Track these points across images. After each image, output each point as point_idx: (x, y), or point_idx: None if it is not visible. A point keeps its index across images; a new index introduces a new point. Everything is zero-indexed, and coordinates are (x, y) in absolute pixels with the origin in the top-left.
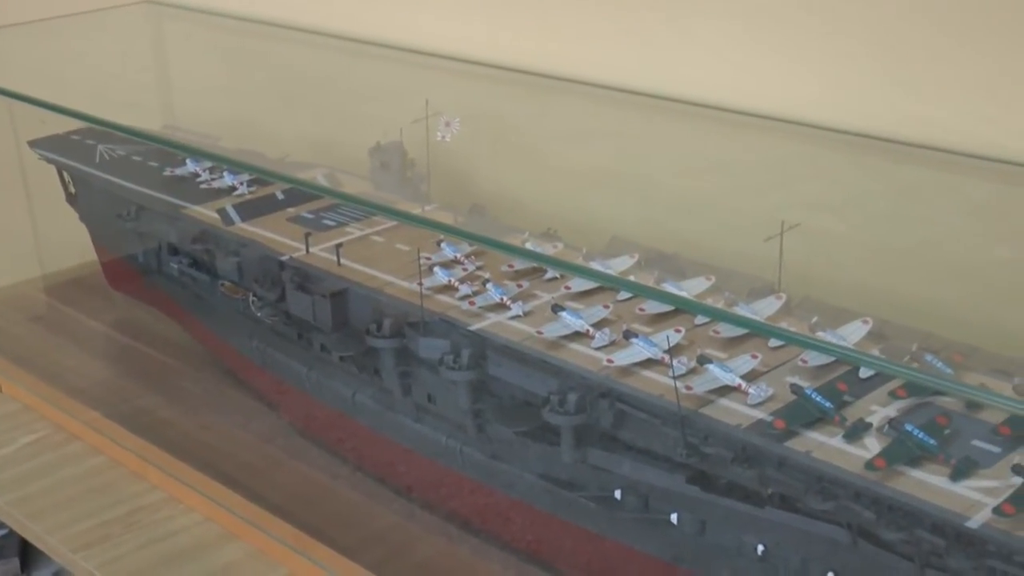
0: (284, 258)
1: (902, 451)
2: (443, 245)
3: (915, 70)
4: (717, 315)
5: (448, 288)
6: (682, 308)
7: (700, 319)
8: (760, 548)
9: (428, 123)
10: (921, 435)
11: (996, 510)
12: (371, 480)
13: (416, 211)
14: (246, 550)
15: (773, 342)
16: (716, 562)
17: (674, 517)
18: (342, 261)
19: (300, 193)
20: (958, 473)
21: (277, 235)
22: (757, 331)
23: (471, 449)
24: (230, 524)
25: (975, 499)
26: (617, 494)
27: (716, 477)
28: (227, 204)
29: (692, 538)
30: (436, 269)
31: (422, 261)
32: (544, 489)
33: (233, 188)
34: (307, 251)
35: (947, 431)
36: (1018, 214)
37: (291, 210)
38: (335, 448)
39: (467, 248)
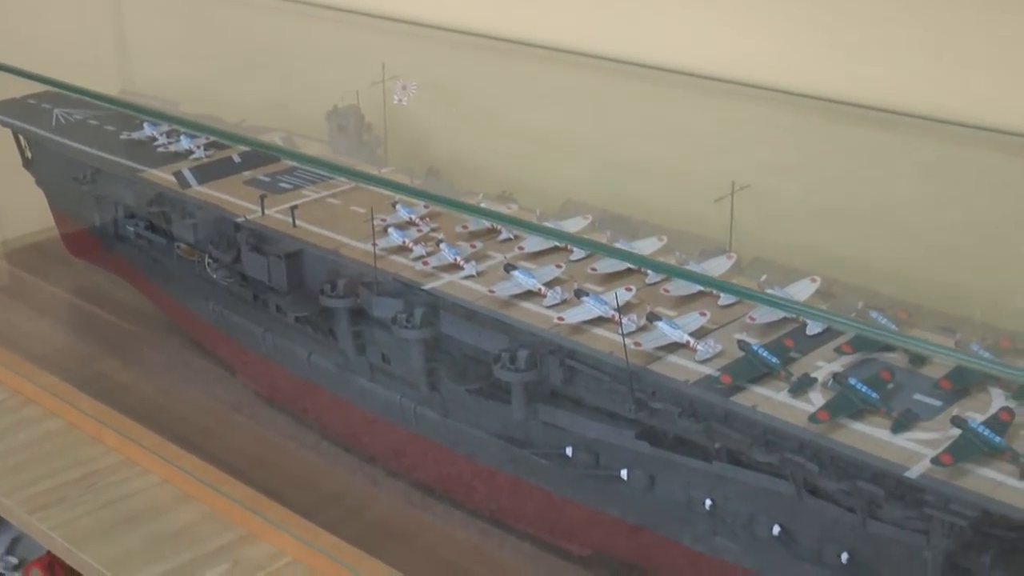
0: (239, 220)
1: (845, 404)
2: (398, 207)
3: (861, 31)
4: (670, 271)
5: (402, 249)
6: (634, 265)
7: (651, 278)
8: (708, 503)
9: (385, 87)
10: (864, 389)
11: (934, 460)
12: (327, 441)
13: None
14: (202, 511)
15: (723, 300)
16: (666, 517)
17: (624, 473)
18: (298, 223)
19: (257, 157)
20: (899, 426)
21: (233, 198)
22: (709, 287)
23: (425, 408)
24: (186, 486)
25: (915, 450)
26: (568, 451)
27: (665, 432)
28: (184, 168)
29: (642, 493)
30: (391, 230)
31: (377, 223)
32: (497, 447)
33: (190, 152)
34: (263, 213)
35: (890, 385)
36: (962, 174)
37: (247, 173)
38: (291, 409)
39: (422, 210)
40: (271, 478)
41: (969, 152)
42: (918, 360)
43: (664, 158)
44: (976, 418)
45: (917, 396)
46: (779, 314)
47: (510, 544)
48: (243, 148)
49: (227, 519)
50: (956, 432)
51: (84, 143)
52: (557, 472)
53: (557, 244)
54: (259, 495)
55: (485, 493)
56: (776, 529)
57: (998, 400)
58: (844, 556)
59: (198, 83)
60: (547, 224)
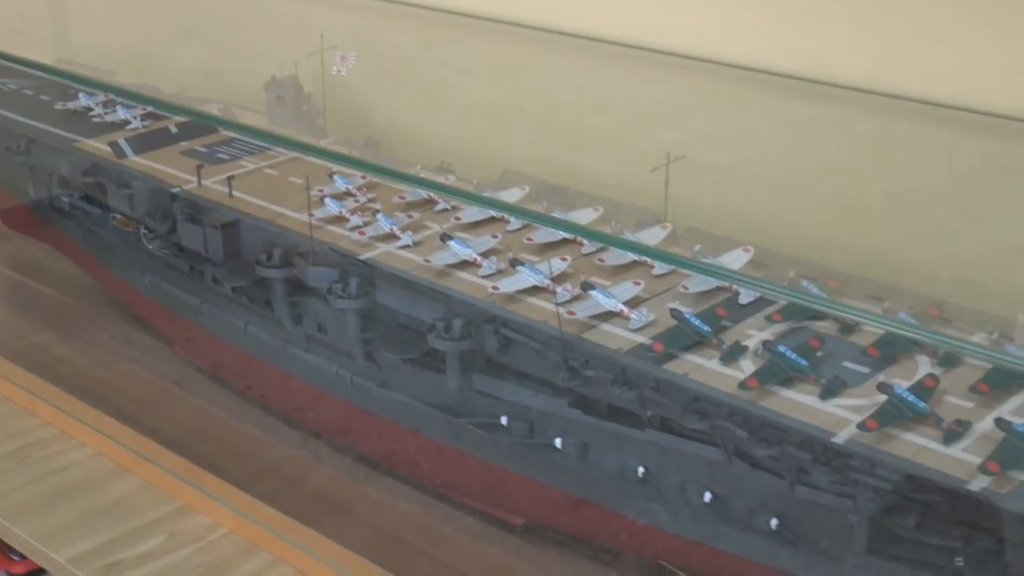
0: (175, 191)
1: (775, 371)
2: (335, 177)
3: (799, 4)
4: (605, 240)
5: (339, 219)
6: (570, 235)
7: (587, 248)
8: (641, 470)
9: (323, 57)
10: (793, 356)
11: (860, 426)
12: (265, 412)
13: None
14: (138, 484)
15: (658, 270)
16: (599, 485)
17: (558, 441)
18: (235, 194)
19: (194, 127)
20: (827, 392)
21: (170, 168)
22: (644, 256)
23: (361, 378)
24: (122, 458)
25: (843, 416)
26: (504, 420)
27: (598, 401)
28: (120, 138)
29: (575, 462)
30: (327, 200)
31: (314, 193)
32: (433, 416)
33: (127, 122)
34: (199, 184)
35: (819, 353)
36: (895, 146)
37: (185, 144)
38: (228, 381)
39: (359, 180)
40: (209, 450)
41: (902, 124)
42: (847, 328)
43: (602, 129)
44: (902, 384)
45: (846, 363)
46: (712, 283)
47: (448, 514)
48: (181, 118)
49: (163, 491)
50: (882, 398)
51: (18, 113)
52: (492, 441)
53: (494, 214)
54: (195, 467)
55: (421, 463)
56: (708, 496)
57: (924, 367)
58: (774, 522)
59: (135, 51)
60: (484, 194)
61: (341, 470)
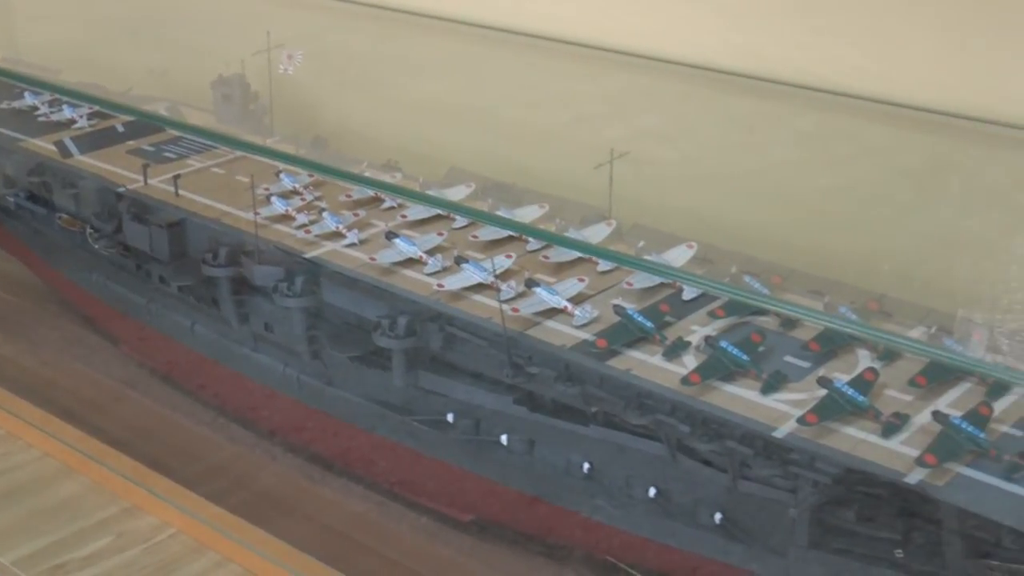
0: (121, 190)
1: (716, 366)
2: (282, 176)
3: (743, 1)
4: (549, 238)
5: (285, 217)
6: (515, 233)
7: (532, 245)
8: (586, 466)
9: (270, 55)
10: (735, 351)
11: (800, 420)
12: (213, 412)
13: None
14: (85, 484)
15: (602, 267)
16: (545, 481)
17: (504, 438)
18: (181, 193)
19: (141, 126)
20: (769, 387)
21: (116, 167)
22: (588, 253)
23: (308, 376)
24: (69, 459)
25: (783, 411)
26: (450, 417)
27: (543, 398)
28: (65, 137)
29: (522, 458)
30: (274, 199)
31: (260, 192)
32: (379, 414)
33: (73, 121)
34: (145, 183)
35: (761, 348)
36: (838, 142)
37: (131, 143)
38: (176, 380)
39: (306, 179)
40: (157, 450)
41: (845, 120)
42: (789, 323)
43: (549, 127)
44: (842, 378)
45: (787, 358)
46: (656, 280)
47: (397, 512)
48: (127, 118)
49: (111, 492)
50: (822, 392)
51: None
52: (438, 438)
53: (440, 212)
54: (143, 467)
55: (369, 461)
56: (652, 491)
57: (864, 361)
58: (718, 516)
59: (81, 50)
60: (430, 192)
61: (290, 469)
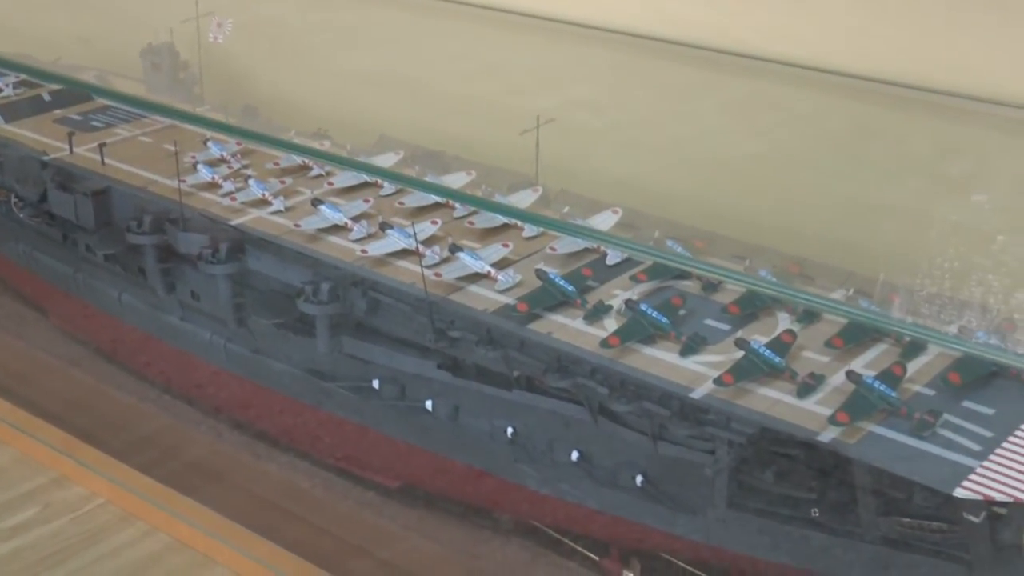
0: (46, 158)
1: (636, 329)
2: (210, 144)
3: None
4: (476, 203)
5: (212, 185)
6: (444, 198)
7: (459, 212)
8: (510, 430)
9: (199, 24)
10: (655, 314)
11: (717, 381)
12: (142, 382)
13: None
14: (13, 456)
15: (527, 232)
16: (470, 446)
17: (429, 404)
18: (107, 161)
19: (69, 95)
20: (687, 349)
21: (42, 136)
22: (512, 218)
23: (234, 344)
24: None
25: (701, 372)
26: (375, 383)
27: (466, 363)
28: None
29: (446, 424)
30: (200, 167)
31: (188, 160)
32: (305, 381)
33: None
34: (71, 151)
35: (681, 311)
36: (766, 109)
37: (58, 112)
38: (105, 351)
39: (234, 147)
40: (87, 422)
41: (772, 87)
42: (711, 287)
43: (480, 96)
44: (759, 340)
45: (708, 321)
46: (580, 245)
47: (323, 479)
48: (54, 86)
49: (38, 463)
50: (740, 354)
51: None
52: (364, 405)
53: (368, 180)
54: (72, 438)
55: (296, 428)
56: (575, 455)
57: (784, 323)
58: (639, 478)
59: (8, 19)
60: (358, 159)
61: (219, 439)
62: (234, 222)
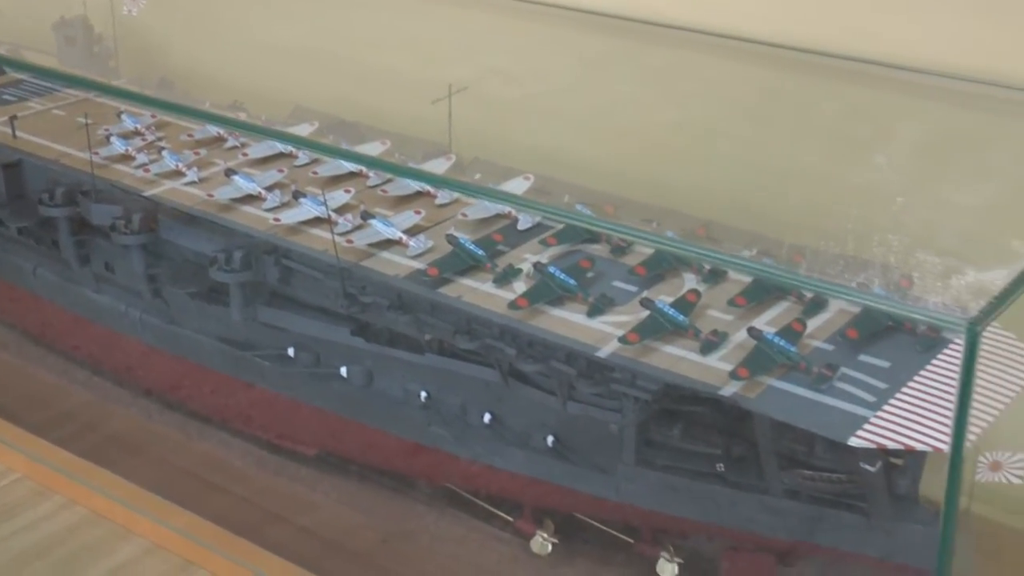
0: None
1: (544, 291)
2: (123, 117)
3: None
4: (387, 169)
5: (125, 157)
6: (359, 167)
7: (372, 180)
8: (423, 394)
9: None
10: (562, 276)
11: (622, 339)
12: (60, 357)
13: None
14: None
15: (440, 200)
16: (385, 412)
17: (344, 370)
18: (19, 135)
19: None
20: (594, 310)
21: None
22: (429, 183)
23: (150, 315)
24: None
25: (608, 332)
26: (290, 351)
27: (380, 328)
28: None
29: (361, 390)
30: (113, 139)
31: (101, 132)
32: (221, 350)
33: None
34: None
35: (589, 273)
36: (683, 79)
37: None
38: (20, 325)
39: (149, 119)
40: (2, 397)
41: (688, 56)
42: (619, 250)
43: (396, 67)
44: (664, 299)
45: (615, 283)
46: (491, 211)
47: (242, 449)
48: None
49: None
50: (646, 313)
51: None
52: (280, 373)
53: (282, 150)
54: None
55: (214, 399)
56: (487, 417)
57: (690, 283)
58: (550, 439)
59: None
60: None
61: (137, 411)
62: (147, 193)
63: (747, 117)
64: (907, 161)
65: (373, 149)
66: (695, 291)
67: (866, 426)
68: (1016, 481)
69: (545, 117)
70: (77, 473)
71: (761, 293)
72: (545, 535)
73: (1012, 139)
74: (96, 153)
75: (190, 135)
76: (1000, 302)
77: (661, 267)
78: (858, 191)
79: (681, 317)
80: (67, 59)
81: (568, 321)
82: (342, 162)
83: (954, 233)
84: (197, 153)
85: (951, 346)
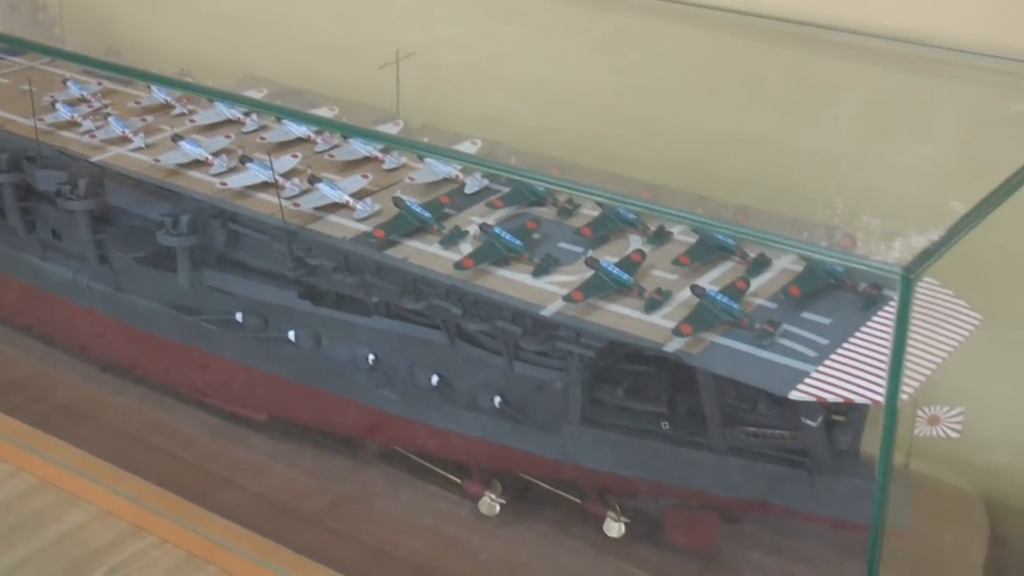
0: None
1: (490, 252)
2: (69, 84)
3: None
4: (341, 128)
5: (71, 124)
6: (306, 130)
7: (320, 146)
8: (371, 357)
9: None
10: (508, 237)
11: (567, 298)
12: (7, 326)
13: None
14: None
15: (388, 164)
16: (333, 375)
17: (292, 334)
18: None
19: None
20: (540, 270)
21: None
22: (380, 142)
23: (97, 282)
24: None
25: (553, 292)
26: (238, 316)
27: (327, 292)
28: None
29: (310, 354)
30: (59, 106)
31: (47, 100)
32: (169, 316)
33: None
34: None
35: (536, 235)
36: (635, 45)
37: None
38: None
39: (95, 87)
40: None
41: (644, 22)
42: (565, 212)
43: (346, 36)
44: (609, 259)
45: (561, 244)
46: (439, 175)
47: (191, 415)
48: None
49: None
50: (591, 273)
51: None
52: (228, 338)
53: (230, 117)
54: None
55: (161, 364)
56: (435, 378)
57: (635, 244)
58: (497, 399)
59: None
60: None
61: (86, 379)
62: (94, 159)
63: (695, 82)
64: (852, 124)
65: (322, 116)
66: (640, 251)
67: (806, 380)
68: (953, 435)
69: (494, 84)
70: (24, 440)
71: (705, 252)
72: (493, 496)
73: (954, 100)
74: (41, 119)
75: (137, 102)
76: (934, 251)
77: (607, 228)
78: (804, 155)
79: (625, 276)
80: (11, 26)
81: (514, 281)
82: (290, 128)
83: (895, 195)
84: (144, 119)
85: (891, 303)
